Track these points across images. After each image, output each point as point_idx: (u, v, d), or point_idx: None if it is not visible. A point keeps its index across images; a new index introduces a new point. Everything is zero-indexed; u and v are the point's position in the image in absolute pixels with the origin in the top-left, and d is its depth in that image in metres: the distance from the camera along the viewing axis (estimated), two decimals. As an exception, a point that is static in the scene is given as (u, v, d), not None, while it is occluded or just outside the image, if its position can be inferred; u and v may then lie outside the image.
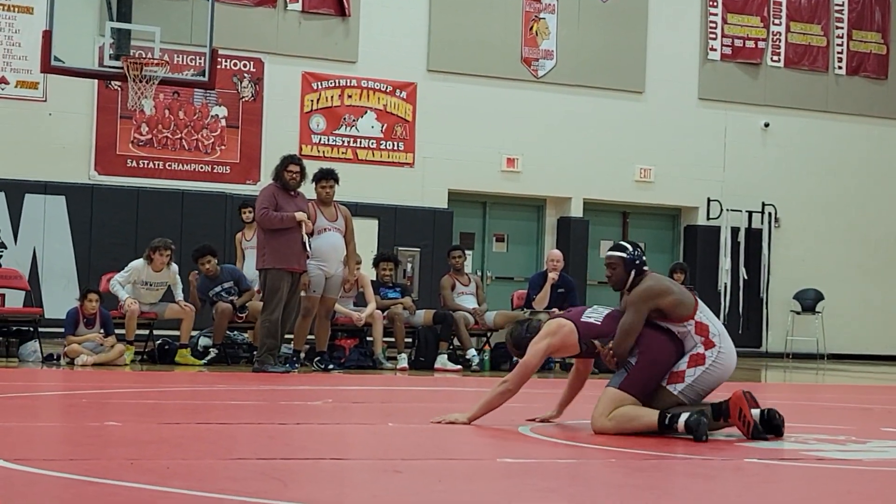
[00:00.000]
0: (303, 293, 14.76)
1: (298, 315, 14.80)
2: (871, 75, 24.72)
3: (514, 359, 16.46)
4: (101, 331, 15.08)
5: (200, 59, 17.35)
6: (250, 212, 16.54)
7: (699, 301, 8.26)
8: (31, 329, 15.66)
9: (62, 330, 15.33)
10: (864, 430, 9.05)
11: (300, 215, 14.16)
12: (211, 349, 15.74)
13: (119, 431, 7.68)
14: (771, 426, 7.89)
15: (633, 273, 8.31)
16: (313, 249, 14.52)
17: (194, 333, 16.02)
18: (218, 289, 16.10)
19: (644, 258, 8.43)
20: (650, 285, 8.16)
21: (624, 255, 8.42)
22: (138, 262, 15.61)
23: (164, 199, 19.47)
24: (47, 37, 15.54)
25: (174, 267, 15.79)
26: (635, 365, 7.95)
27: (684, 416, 7.66)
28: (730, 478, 6.54)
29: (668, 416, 7.70)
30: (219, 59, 18.07)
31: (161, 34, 16.02)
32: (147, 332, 15.91)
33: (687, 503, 5.61)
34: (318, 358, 15.20)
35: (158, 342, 15.94)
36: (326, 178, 14.91)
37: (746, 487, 6.16)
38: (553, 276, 17.26)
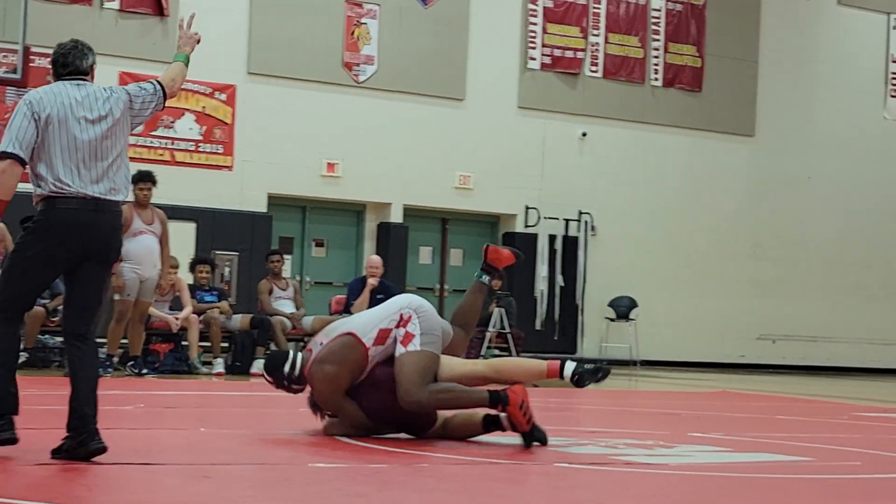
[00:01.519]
0: (116, 296, 14.55)
1: (113, 319, 14.60)
2: (686, 87, 25.23)
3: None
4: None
5: (13, 56, 17.00)
6: None
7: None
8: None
9: None
10: (672, 435, 9.23)
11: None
12: (21, 353, 15.38)
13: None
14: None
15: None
16: (127, 252, 14.33)
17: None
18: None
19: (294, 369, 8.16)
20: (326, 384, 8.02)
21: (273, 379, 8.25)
22: None
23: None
24: None
25: None
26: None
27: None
28: (539, 481, 6.62)
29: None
30: (32, 57, 17.69)
31: (-28, 30, 15.64)
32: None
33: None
34: (132, 362, 14.97)
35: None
36: (144, 180, 14.78)
37: (555, 490, 6.24)
38: (373, 282, 17.28)
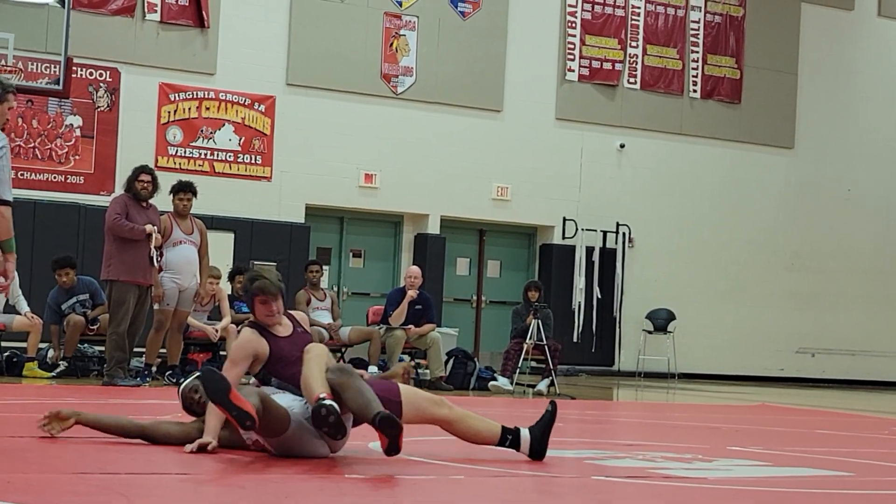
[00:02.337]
0: (156, 306, 14.61)
1: (152, 328, 14.66)
2: (724, 99, 25.16)
3: (372, 373, 16.51)
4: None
5: (55, 67, 17.10)
6: None
7: None
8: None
9: None
10: (711, 448, 9.19)
11: (149, 228, 14.02)
12: (60, 362, 15.48)
13: (-40, 445, 7.50)
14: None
15: None
16: (167, 262, 14.40)
17: (43, 346, 15.75)
18: (73, 301, 15.88)
19: None
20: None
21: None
22: None
23: (15, 209, 19.01)
24: None
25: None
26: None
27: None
28: (576, 494, 6.60)
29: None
30: (74, 68, 17.80)
31: (15, 41, 15.77)
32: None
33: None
34: (170, 372, 15.02)
35: (6, 354, 15.64)
36: (184, 190, 14.83)
37: (592, 504, 6.22)
38: (412, 293, 17.28)
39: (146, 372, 14.70)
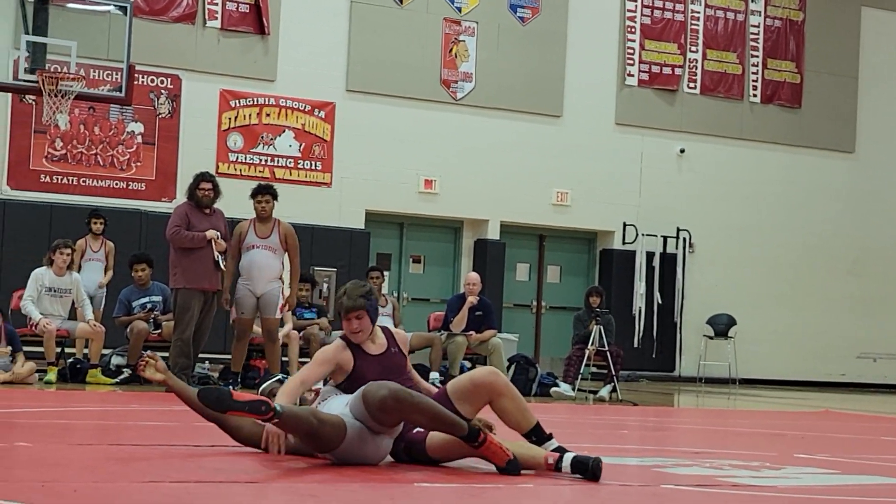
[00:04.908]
0: (234, 316, 14.68)
1: (234, 338, 14.69)
2: (785, 104, 24.99)
3: (430, 380, 16.45)
4: (8, 347, 14.82)
5: (117, 74, 17.17)
6: (102, 223, 16.60)
7: None
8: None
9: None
10: (778, 456, 9.10)
11: (210, 233, 14.03)
12: (124, 369, 15.54)
13: (29, 452, 7.54)
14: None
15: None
16: (241, 267, 14.41)
17: (107, 352, 15.83)
18: (145, 300, 15.97)
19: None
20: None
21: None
22: (40, 269, 15.34)
23: (77, 215, 19.15)
24: (-39, 49, 15.33)
25: (76, 276, 15.57)
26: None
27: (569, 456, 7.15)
28: (648, 503, 6.54)
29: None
30: (136, 75, 17.87)
31: (77, 48, 15.79)
32: (59, 349, 15.66)
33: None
34: (231, 378, 15.04)
35: (70, 361, 15.73)
36: (262, 193, 14.79)
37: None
38: (472, 299, 17.24)
39: (231, 380, 14.69)
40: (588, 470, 6.93)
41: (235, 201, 18.42)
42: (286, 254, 14.74)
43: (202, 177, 14.50)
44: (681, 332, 24.03)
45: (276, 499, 6.14)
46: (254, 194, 14.79)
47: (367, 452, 7.17)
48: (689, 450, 9.59)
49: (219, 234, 14.17)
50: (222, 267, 14.09)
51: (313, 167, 21.33)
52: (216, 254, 14.03)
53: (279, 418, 6.93)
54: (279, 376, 7.98)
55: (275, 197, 14.82)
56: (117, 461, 7.23)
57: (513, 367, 17.58)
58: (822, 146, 25.39)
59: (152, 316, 15.82)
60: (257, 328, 15.03)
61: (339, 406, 7.29)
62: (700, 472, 7.70)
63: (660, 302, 23.74)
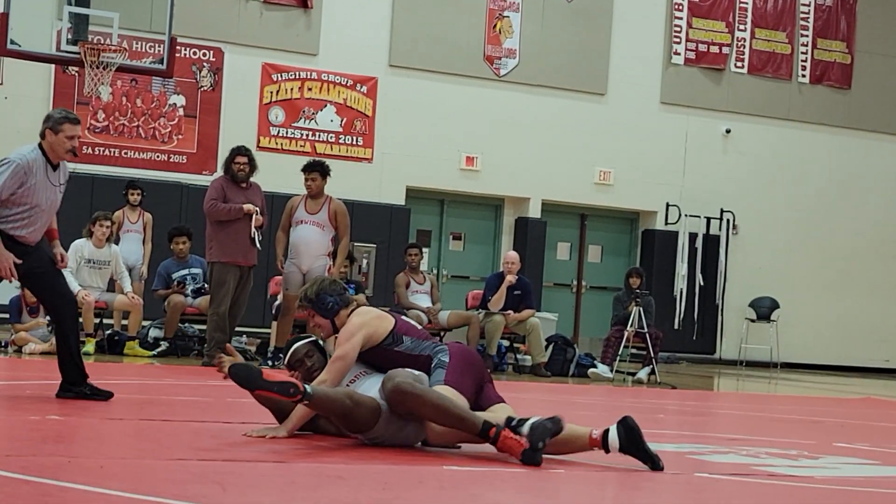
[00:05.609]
0: (281, 292, 14.65)
1: (279, 314, 14.64)
2: (834, 84, 24.71)
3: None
4: (47, 318, 14.83)
5: (159, 46, 17.15)
6: (139, 194, 16.56)
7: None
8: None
9: (7, 316, 15.14)
10: (817, 445, 8.96)
11: (248, 207, 13.97)
12: (161, 342, 15.54)
13: (60, 426, 7.52)
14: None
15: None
16: (290, 243, 14.37)
17: (146, 324, 15.84)
18: (184, 272, 15.97)
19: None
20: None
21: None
22: (79, 241, 15.32)
23: (118, 187, 19.11)
24: (4, 20, 15.28)
25: (115, 248, 15.55)
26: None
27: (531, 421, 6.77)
28: (678, 492, 6.44)
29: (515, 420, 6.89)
30: (178, 48, 17.83)
31: (120, 20, 15.76)
32: (97, 321, 15.67)
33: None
34: (271, 354, 15.00)
35: (108, 332, 15.73)
36: (310, 169, 14.71)
37: (695, 502, 6.06)
38: (511, 278, 17.13)
39: (271, 356, 14.64)
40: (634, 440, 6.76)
41: (276, 176, 18.44)
42: (335, 231, 14.66)
43: (238, 151, 14.42)
44: (722, 315, 23.86)
45: (303, 479, 6.07)
46: (303, 170, 14.73)
47: (400, 436, 7.09)
48: (727, 436, 9.48)
49: (257, 208, 14.10)
50: (258, 244, 14.01)
51: (355, 142, 21.25)
52: (253, 229, 13.96)
53: (309, 400, 6.86)
54: (313, 337, 7.90)
55: (324, 174, 14.70)
56: (147, 437, 7.20)
57: (551, 347, 17.48)
58: (872, 128, 25.09)
59: (187, 290, 15.82)
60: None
61: (373, 387, 7.22)
62: (736, 461, 7.59)
63: (702, 284, 23.57)
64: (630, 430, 6.78)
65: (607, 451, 6.77)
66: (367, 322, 7.51)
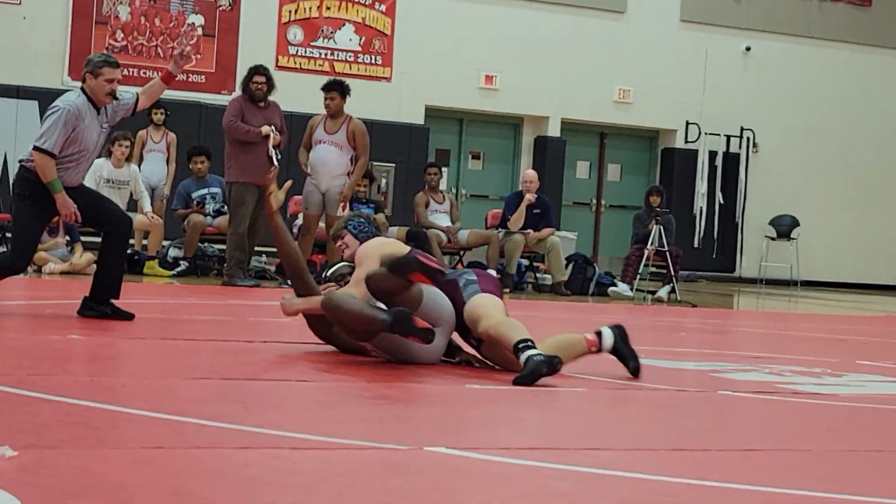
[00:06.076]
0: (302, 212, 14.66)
1: (299, 234, 14.62)
2: (854, 1, 24.46)
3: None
4: (66, 238, 14.83)
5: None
6: (162, 113, 16.48)
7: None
8: (7, 234, 15.38)
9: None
10: (840, 363, 8.94)
11: (265, 129, 13.91)
12: (181, 261, 15.54)
13: (81, 346, 7.52)
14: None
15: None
16: (309, 163, 14.32)
17: (165, 243, 15.85)
18: (204, 192, 15.95)
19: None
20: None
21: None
22: (98, 160, 15.23)
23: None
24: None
25: (134, 167, 15.52)
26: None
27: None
28: (703, 410, 6.42)
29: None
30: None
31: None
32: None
33: (661, 436, 5.48)
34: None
35: (128, 252, 15.71)
36: (329, 88, 14.62)
37: (720, 422, 6.04)
38: (530, 197, 17.07)
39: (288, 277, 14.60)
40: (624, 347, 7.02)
41: (294, 95, 18.32)
42: (355, 151, 14.57)
43: (255, 70, 14.35)
44: (742, 233, 23.79)
45: (326, 397, 6.07)
46: (322, 89, 14.64)
47: (412, 349, 7.00)
48: (749, 354, 9.46)
49: (273, 128, 14.04)
50: (275, 162, 13.96)
51: (373, 62, 21.13)
52: (270, 149, 13.90)
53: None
54: (346, 262, 7.86)
55: (343, 94, 14.60)
56: (169, 357, 7.20)
57: (570, 266, 17.45)
58: (892, 45, 24.83)
59: (207, 210, 15.81)
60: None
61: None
62: (759, 378, 7.56)
63: (721, 202, 23.48)
64: (620, 329, 7.05)
65: (600, 350, 7.01)
66: (385, 243, 7.50)
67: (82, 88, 8.92)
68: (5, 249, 12.87)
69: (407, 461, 4.36)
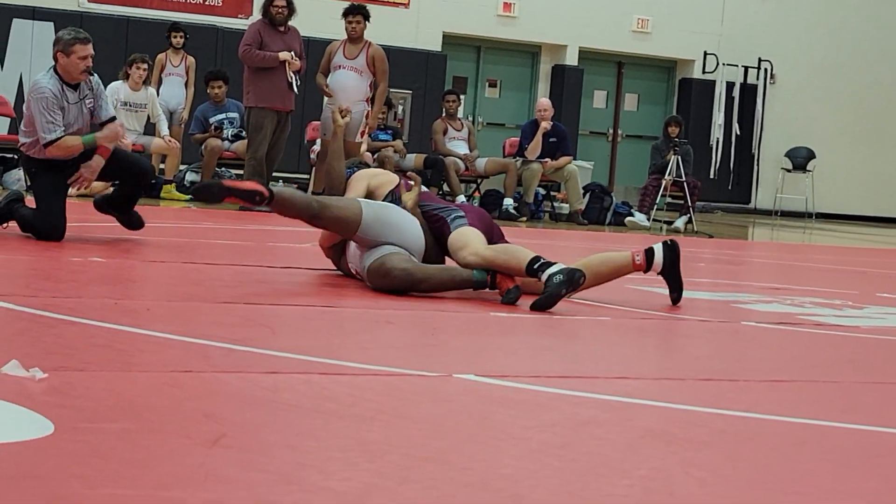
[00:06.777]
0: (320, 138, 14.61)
1: (318, 160, 14.58)
2: (877, -68, 24.25)
3: (503, 206, 16.32)
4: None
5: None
6: (182, 37, 16.40)
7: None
8: (16, 157, 15.35)
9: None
10: (860, 295, 8.92)
11: (283, 55, 13.83)
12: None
13: (103, 268, 7.51)
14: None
15: None
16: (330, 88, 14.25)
17: (183, 167, 15.82)
18: (222, 116, 15.91)
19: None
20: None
21: None
22: (115, 83, 15.18)
23: (153, 29, 18.94)
24: None
25: (151, 90, 15.47)
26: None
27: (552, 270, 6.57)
28: (727, 340, 6.42)
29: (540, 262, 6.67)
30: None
31: None
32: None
33: (688, 366, 5.48)
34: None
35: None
36: (353, 13, 14.52)
37: (745, 352, 6.04)
38: (545, 125, 17.00)
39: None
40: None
41: (314, 20, 18.22)
42: (374, 77, 14.49)
43: (277, -7, 14.26)
44: (758, 165, 23.72)
45: (351, 322, 6.07)
46: (345, 14, 14.53)
47: (393, 234, 6.96)
48: (769, 285, 9.43)
49: (292, 53, 13.95)
50: (295, 88, 13.89)
51: (391, -13, 21.01)
52: (290, 74, 13.84)
53: (271, 202, 6.73)
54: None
55: (366, 18, 14.53)
56: (191, 281, 7.18)
57: (588, 195, 17.41)
58: (914, -22, 24.68)
59: (225, 134, 15.78)
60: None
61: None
62: (781, 310, 7.54)
63: (738, 133, 23.39)
64: (673, 250, 6.99)
65: (647, 270, 6.96)
66: (376, 174, 7.58)
67: (54, 68, 8.70)
68: (21, 177, 12.92)
69: (436, 387, 4.36)
